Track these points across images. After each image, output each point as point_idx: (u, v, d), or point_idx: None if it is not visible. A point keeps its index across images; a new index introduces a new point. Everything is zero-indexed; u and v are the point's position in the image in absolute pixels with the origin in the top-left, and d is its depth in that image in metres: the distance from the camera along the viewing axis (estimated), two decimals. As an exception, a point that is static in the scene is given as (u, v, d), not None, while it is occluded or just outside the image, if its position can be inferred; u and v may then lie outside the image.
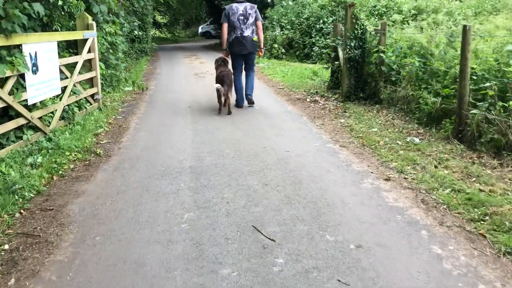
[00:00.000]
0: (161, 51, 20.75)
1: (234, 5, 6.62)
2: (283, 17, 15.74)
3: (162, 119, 6.30)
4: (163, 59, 16.12)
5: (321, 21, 13.86)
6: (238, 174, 3.95)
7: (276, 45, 14.62)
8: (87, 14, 6.39)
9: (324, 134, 5.32)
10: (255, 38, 6.70)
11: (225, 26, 6.60)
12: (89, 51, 6.34)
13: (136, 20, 12.84)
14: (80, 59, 5.93)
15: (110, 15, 8.86)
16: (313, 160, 4.31)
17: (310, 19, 14.26)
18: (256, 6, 6.86)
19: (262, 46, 6.99)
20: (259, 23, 6.75)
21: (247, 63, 6.96)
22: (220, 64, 6.86)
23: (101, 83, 7.68)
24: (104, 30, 7.67)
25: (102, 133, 5.44)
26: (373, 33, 7.15)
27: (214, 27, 32.47)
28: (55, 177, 3.91)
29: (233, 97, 6.94)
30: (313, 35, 13.90)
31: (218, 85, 6.32)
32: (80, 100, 6.02)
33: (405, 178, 3.77)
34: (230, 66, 6.99)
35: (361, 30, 6.99)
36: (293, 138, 5.14)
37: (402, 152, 4.42)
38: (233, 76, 6.71)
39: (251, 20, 6.59)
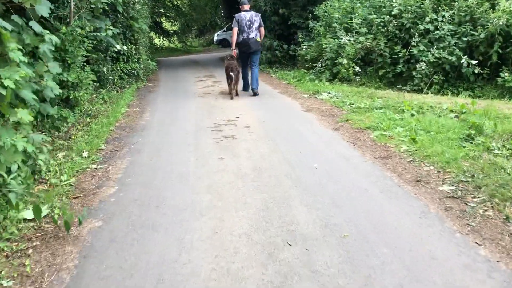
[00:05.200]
0: (166, 68, 15.25)
1: (242, 13, 7.96)
2: (348, 14, 10.03)
3: None
4: (164, 85, 10.56)
5: (427, 18, 8.09)
6: None
7: (344, 61, 8.90)
8: None
9: None
10: (258, 39, 8.00)
11: (235, 30, 7.97)
12: None
13: (109, 27, 7.34)
14: None
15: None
16: None
17: (404, 17, 8.49)
18: (260, 14, 8.15)
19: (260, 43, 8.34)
20: (262, 29, 8.11)
21: (252, 60, 8.17)
22: (228, 58, 8.11)
23: None
24: None
25: None
26: None
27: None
28: None
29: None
30: (413, 42, 8.13)
31: (232, 74, 7.66)
32: None
33: None
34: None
35: None
36: None
37: None
38: (240, 69, 8.18)
39: (256, 25, 7.94)
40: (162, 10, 29.05)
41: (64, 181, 3.82)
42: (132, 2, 9.24)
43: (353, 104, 7.10)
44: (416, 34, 8.00)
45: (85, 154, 4.65)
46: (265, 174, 3.92)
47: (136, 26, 9.61)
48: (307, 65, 10.76)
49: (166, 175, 4.01)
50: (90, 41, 6.67)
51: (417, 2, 8.39)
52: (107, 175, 4.08)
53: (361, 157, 4.31)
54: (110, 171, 4.18)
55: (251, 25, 7.88)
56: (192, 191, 3.60)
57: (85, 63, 7.32)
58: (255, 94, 8.08)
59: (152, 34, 25.66)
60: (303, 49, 11.34)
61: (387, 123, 5.37)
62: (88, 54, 6.54)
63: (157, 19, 27.96)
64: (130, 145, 5.09)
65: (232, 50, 8.22)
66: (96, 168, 4.27)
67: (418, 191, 3.43)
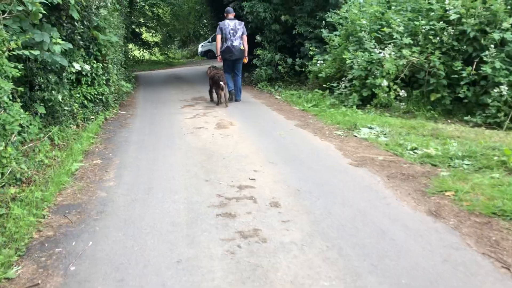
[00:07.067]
0: (145, 87, 12.85)
1: (226, 21, 8.19)
2: (379, 20, 7.81)
3: None
4: (141, 114, 8.15)
5: (505, 24, 5.92)
6: None
7: (384, 82, 6.64)
8: None
9: None
10: (242, 47, 8.19)
11: (219, 38, 8.19)
12: None
13: (58, 40, 4.94)
14: None
15: None
16: None
17: (466, 23, 6.29)
18: (243, 23, 8.37)
19: (246, 54, 8.42)
20: (245, 36, 8.28)
21: (235, 68, 8.55)
22: (212, 69, 8.56)
23: None
24: None
25: None
26: None
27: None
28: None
29: None
30: (486, 58, 5.92)
31: (222, 83, 7.86)
32: None
33: None
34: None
35: None
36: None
37: None
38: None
39: (239, 33, 8.15)
40: (141, 20, 26.69)
41: None
42: (95, 6, 6.82)
43: (416, 149, 4.85)
44: (492, 46, 5.78)
45: (-36, 305, 2.22)
46: None
47: (102, 39, 7.19)
48: (324, 85, 8.49)
49: None
50: (17, 64, 4.24)
51: (484, 2, 6.19)
52: None
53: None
54: None
55: (235, 33, 8.11)
56: None
57: (17, 95, 4.89)
58: (236, 100, 8.61)
59: (130, 45, 23.21)
60: (317, 64, 9.09)
61: (526, 203, 3.08)
62: (14, 88, 4.07)
63: (137, 30, 25.56)
64: (69, 263, 2.67)
65: (218, 56, 8.41)
66: None
67: None
